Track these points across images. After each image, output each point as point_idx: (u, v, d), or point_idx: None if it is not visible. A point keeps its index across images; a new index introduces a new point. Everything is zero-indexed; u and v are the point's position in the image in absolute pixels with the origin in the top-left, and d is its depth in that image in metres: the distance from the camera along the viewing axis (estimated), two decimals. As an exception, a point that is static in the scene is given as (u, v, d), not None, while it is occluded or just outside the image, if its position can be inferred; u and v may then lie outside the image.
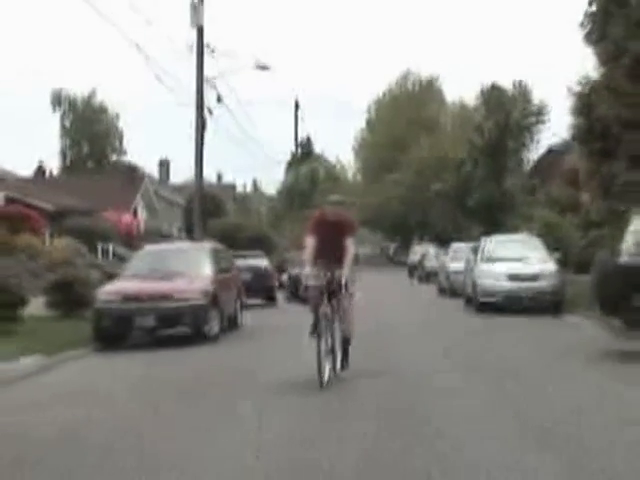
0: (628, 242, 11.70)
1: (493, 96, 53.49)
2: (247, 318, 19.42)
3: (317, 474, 5.99)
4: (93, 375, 12.62)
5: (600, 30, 20.89)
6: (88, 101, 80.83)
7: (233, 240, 34.91)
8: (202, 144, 30.31)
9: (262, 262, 27.16)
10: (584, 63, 29.61)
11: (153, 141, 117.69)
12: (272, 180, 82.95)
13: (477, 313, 20.44)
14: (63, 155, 79.53)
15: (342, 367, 10.38)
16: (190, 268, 16.39)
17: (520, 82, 57.79)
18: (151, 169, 67.82)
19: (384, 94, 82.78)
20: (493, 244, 22.06)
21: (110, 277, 21.63)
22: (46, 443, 7.41)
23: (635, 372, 10.44)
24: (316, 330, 9.71)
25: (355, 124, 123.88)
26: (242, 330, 18.08)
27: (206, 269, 16.66)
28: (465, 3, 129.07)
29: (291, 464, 6.32)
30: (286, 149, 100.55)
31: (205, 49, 31.24)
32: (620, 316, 11.67)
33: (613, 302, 11.61)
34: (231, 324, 17.67)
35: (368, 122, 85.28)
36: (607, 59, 20.53)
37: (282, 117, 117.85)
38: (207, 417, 8.38)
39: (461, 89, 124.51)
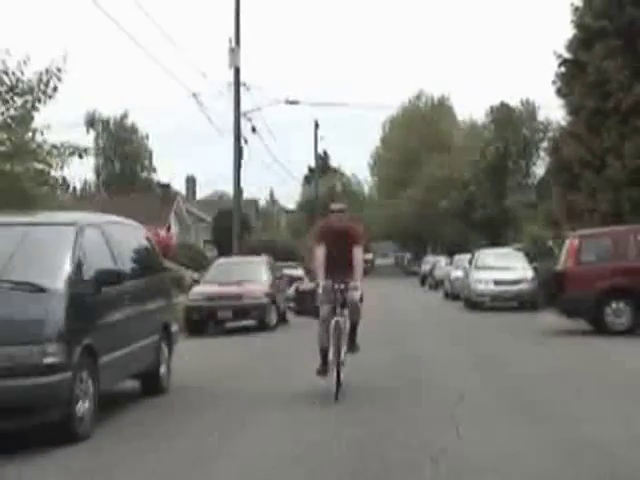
0: (562, 255, 17.40)
1: (502, 114, 57.67)
2: (291, 315, 25.05)
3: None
4: (198, 348, 18.31)
5: (567, 87, 26.67)
6: (120, 122, 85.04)
7: (265, 253, 40.09)
8: (239, 171, 35.44)
9: (297, 271, 32.92)
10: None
11: (178, 158, 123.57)
12: (288, 193, 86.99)
13: (471, 311, 26.13)
14: (97, 174, 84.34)
15: (351, 350, 10.50)
16: (254, 275, 22.07)
17: (527, 100, 62.02)
18: (177, 185, 72.38)
19: (398, 113, 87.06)
20: (483, 256, 27.85)
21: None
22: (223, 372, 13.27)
23: (545, 341, 16.65)
24: (323, 371, 10.07)
25: (369, 141, 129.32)
26: (290, 324, 23.63)
27: (265, 276, 22.35)
28: (477, 24, 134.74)
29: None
30: (300, 162, 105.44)
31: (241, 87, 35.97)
32: (556, 307, 17.40)
33: (551, 297, 17.35)
34: (282, 319, 23.22)
35: (383, 139, 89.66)
36: (571, 111, 26.31)
37: (298, 133, 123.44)
38: (283, 365, 14.21)
39: (472, 107, 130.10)
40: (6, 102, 14.23)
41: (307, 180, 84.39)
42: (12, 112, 14.33)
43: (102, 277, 8.66)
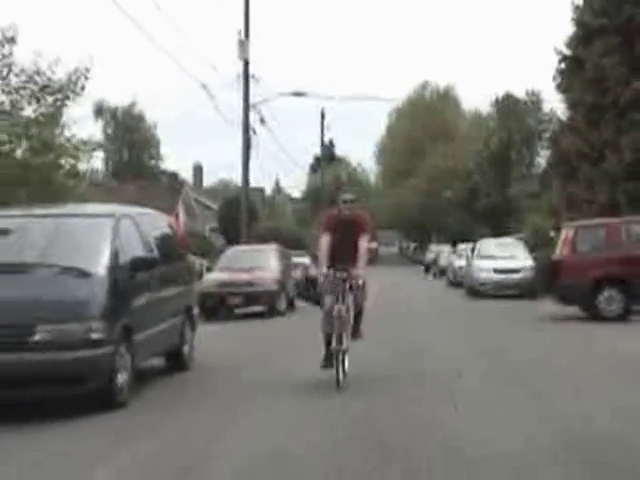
0: (559, 245, 18.34)
1: (506, 104, 58.20)
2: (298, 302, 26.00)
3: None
4: (214, 330, 19.29)
5: (566, 83, 27.58)
6: (128, 111, 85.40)
7: (272, 241, 40.89)
8: (248, 162, 36.20)
9: (306, 259, 33.79)
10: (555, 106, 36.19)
11: (183, 146, 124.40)
12: (294, 181, 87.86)
13: (473, 298, 27.10)
14: (106, 163, 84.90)
15: (355, 336, 10.39)
16: (264, 263, 23.02)
17: (533, 91, 62.16)
18: (184, 173, 72.98)
19: (403, 102, 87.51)
20: (485, 245, 28.82)
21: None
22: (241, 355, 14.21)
23: (543, 327, 17.57)
24: (327, 363, 9.99)
25: (375, 131, 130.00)
26: (298, 310, 24.59)
27: (275, 264, 23.30)
28: (483, 16, 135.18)
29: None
30: (307, 150, 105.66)
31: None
32: (552, 294, 18.36)
33: (547, 284, 18.30)
34: (290, 305, 24.19)
35: (388, 129, 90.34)
36: (570, 106, 27.23)
37: (305, 121, 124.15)
38: (293, 349, 15.14)
39: (478, 97, 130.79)
40: (38, 100, 15.23)
41: (313, 169, 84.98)
42: (43, 109, 15.32)
43: (136, 263, 9.69)
